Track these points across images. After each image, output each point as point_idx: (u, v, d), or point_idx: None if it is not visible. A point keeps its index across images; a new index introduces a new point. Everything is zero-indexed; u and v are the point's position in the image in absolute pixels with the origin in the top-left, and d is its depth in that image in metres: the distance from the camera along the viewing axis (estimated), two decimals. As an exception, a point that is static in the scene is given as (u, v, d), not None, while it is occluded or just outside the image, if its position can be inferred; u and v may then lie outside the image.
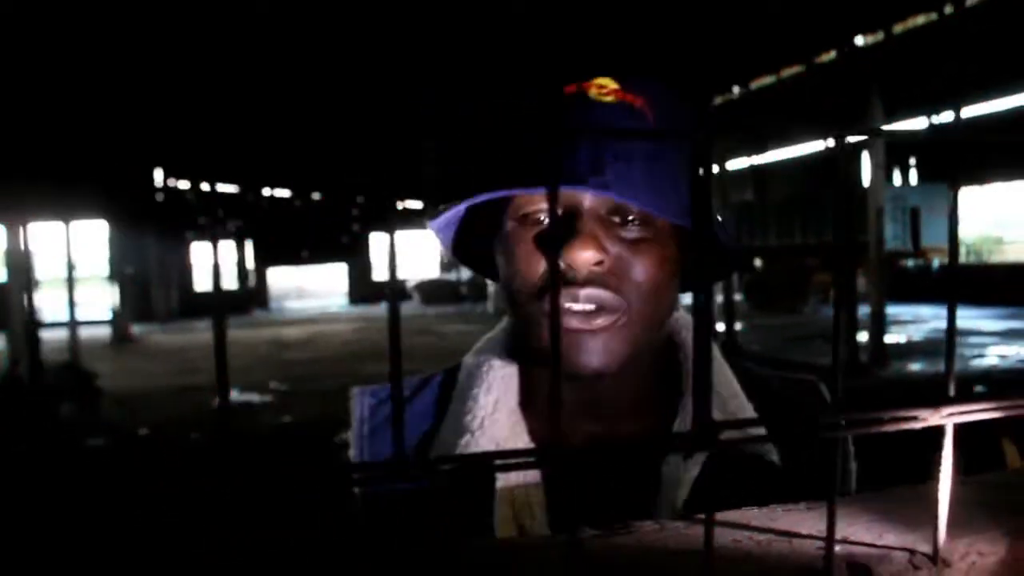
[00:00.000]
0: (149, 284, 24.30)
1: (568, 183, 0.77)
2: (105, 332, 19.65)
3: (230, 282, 30.49)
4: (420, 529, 0.85)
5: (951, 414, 0.42)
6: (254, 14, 12.46)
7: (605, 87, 0.83)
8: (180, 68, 14.18)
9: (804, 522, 0.50)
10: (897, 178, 20.18)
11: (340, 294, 34.87)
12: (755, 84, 18.69)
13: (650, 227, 0.81)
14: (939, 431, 0.44)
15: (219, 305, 0.33)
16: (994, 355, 10.94)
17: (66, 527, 4.39)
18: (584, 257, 0.77)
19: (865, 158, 12.77)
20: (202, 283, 29.32)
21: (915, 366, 10.60)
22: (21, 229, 12.20)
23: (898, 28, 14.14)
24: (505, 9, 11.33)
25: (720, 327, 13.43)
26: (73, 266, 16.06)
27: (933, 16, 13.93)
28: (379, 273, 31.48)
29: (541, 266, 0.80)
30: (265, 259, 31.75)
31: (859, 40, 13.55)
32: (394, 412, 0.35)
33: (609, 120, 0.81)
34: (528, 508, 0.85)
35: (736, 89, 18.94)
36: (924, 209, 15.55)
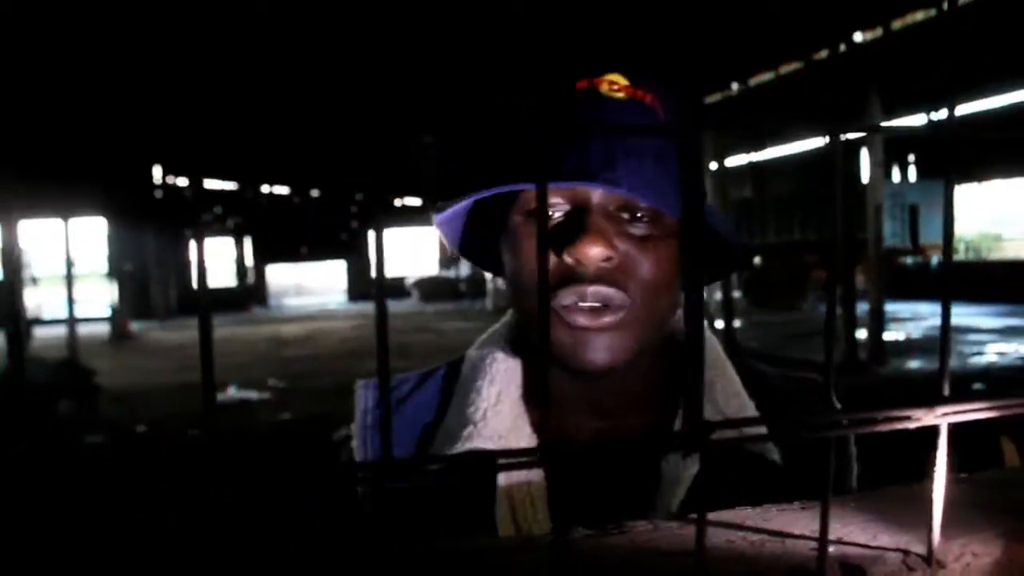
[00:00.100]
0: (148, 281, 24.31)
1: (579, 179, 0.77)
2: (104, 329, 19.65)
3: (228, 279, 30.50)
4: (421, 526, 0.85)
5: (946, 414, 0.42)
6: (254, 12, 12.46)
7: (616, 83, 0.83)
8: (179, 65, 14.17)
9: (798, 522, 0.50)
10: (896, 175, 20.19)
11: (339, 291, 34.87)
12: (754, 81, 18.68)
13: (658, 224, 0.81)
14: (935, 430, 0.43)
15: (205, 307, 0.33)
16: (993, 352, 10.94)
17: (65, 528, 4.39)
18: (594, 253, 0.76)
19: (864, 155, 12.78)
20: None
21: (914, 363, 10.60)
22: (14, 226, 12.17)
23: (897, 24, 14.15)
24: (505, 8, 11.34)
25: (719, 324, 13.44)
26: (72, 263, 16.05)
27: (932, 12, 13.94)
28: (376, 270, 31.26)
29: (548, 263, 0.80)
30: (264, 256, 31.75)
31: (858, 37, 13.54)
32: (383, 415, 0.35)
33: (620, 116, 0.81)
34: (530, 504, 0.85)
35: (735, 85, 18.94)
36: (923, 206, 15.55)
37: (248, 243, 31.00)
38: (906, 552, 0.45)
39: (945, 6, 13.59)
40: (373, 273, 0.35)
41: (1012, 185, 19.84)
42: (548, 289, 0.35)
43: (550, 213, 0.81)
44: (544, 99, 0.86)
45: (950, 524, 0.46)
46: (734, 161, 23.37)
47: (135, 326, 20.54)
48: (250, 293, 30.51)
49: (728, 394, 0.88)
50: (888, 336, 11.62)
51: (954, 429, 0.44)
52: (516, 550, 0.51)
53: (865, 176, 11.85)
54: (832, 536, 0.46)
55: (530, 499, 0.85)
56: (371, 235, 0.35)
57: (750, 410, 0.87)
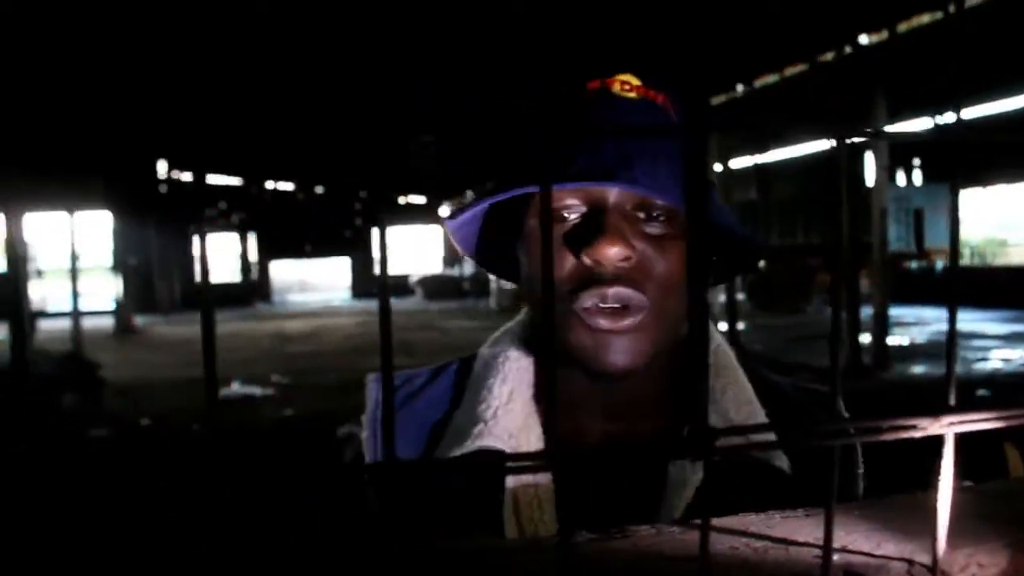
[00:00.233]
0: (152, 275, 24.33)
1: (596, 179, 0.77)
2: (108, 323, 19.68)
3: (232, 274, 30.55)
4: (427, 523, 0.85)
5: (952, 423, 0.41)
6: (257, 10, 12.46)
7: (628, 83, 0.83)
8: (185, 61, 14.18)
9: (802, 529, 0.50)
10: (901, 178, 20.15)
11: (343, 288, 34.89)
12: (759, 83, 18.63)
13: (673, 223, 0.81)
14: (940, 439, 0.43)
15: (208, 302, 0.33)
16: (997, 359, 10.92)
17: (66, 526, 4.40)
18: (612, 253, 0.76)
19: (869, 158, 12.76)
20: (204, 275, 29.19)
21: (918, 368, 10.58)
22: (18, 219, 12.20)
23: (903, 27, 14.11)
24: (508, 8, 11.33)
25: (722, 327, 13.42)
26: (77, 256, 16.08)
27: (938, 15, 13.90)
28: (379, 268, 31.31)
29: (566, 265, 0.80)
30: (268, 252, 31.78)
31: (863, 39, 13.51)
32: (385, 417, 0.35)
33: (632, 117, 0.81)
34: (536, 506, 0.85)
35: (739, 87, 18.89)
36: (928, 210, 15.51)
37: (252, 239, 31.04)
38: (911, 561, 0.45)
39: (951, 9, 13.58)
40: (377, 270, 0.35)
41: (1018, 190, 19.80)
42: (552, 288, 0.35)
43: (566, 215, 0.81)
44: (555, 100, 0.86)
45: (955, 534, 0.45)
46: (738, 163, 23.36)
47: (139, 320, 20.57)
48: (254, 289, 30.55)
49: (739, 401, 0.87)
50: (892, 341, 11.60)
51: (958, 438, 0.44)
52: (520, 551, 0.51)
53: (870, 179, 11.83)
54: (836, 544, 0.46)
55: (537, 501, 0.85)
56: (375, 232, 0.35)
57: (760, 419, 0.86)
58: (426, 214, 32.21)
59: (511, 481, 0.85)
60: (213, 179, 27.93)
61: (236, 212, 29.22)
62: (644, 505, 0.83)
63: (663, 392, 0.89)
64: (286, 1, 11.96)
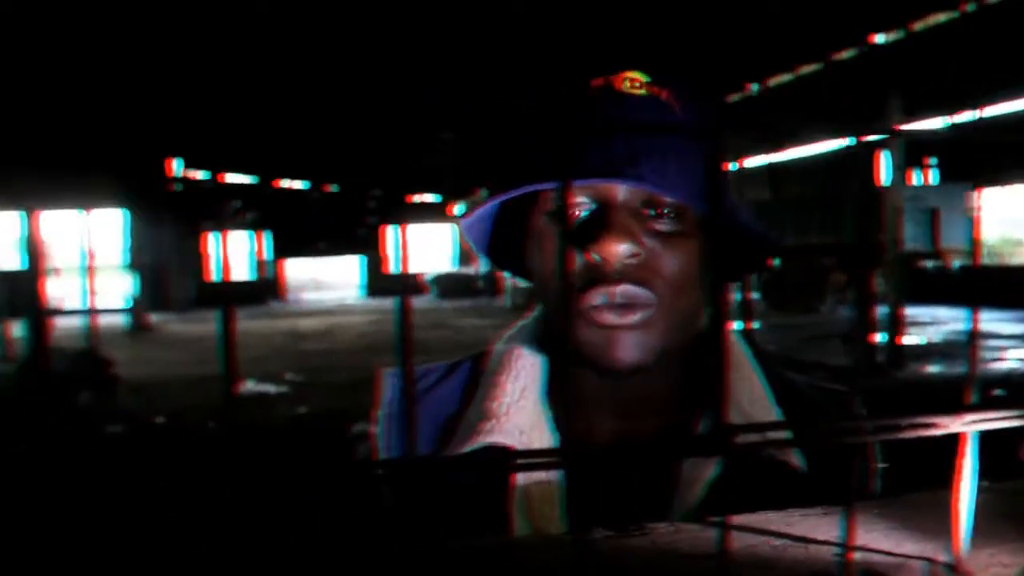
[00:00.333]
0: (166, 273, 24.41)
1: (603, 176, 0.77)
2: (123, 320, 19.76)
3: (246, 273, 30.62)
4: (435, 518, 0.85)
5: (972, 421, 0.41)
6: (272, 9, 12.50)
7: (636, 80, 0.82)
8: (199, 61, 14.23)
9: (821, 527, 0.50)
10: (917, 178, 20.03)
11: (356, 286, 34.93)
12: (773, 81, 18.57)
13: (683, 220, 0.80)
14: (959, 437, 0.43)
15: (227, 300, 0.33)
16: (1014, 358, 10.84)
17: (65, 525, 4.40)
18: (619, 250, 0.76)
19: (884, 158, 12.69)
20: (219, 273, 29.33)
21: (932, 368, 10.51)
22: (35, 217, 12.29)
23: (918, 26, 14.03)
24: (508, 7, 11.33)
25: (736, 326, 13.34)
26: (92, 254, 16.17)
27: (954, 14, 13.81)
28: (394, 265, 31.36)
29: (573, 262, 0.80)
30: (282, 250, 31.82)
31: (878, 38, 13.43)
32: (407, 415, 0.35)
33: (639, 113, 0.81)
34: (546, 503, 0.85)
35: (754, 86, 18.84)
36: (944, 209, 15.42)
37: (266, 237, 31.11)
38: (932, 561, 0.45)
39: (969, 8, 13.50)
40: (392, 269, 0.35)
41: (1034, 189, 19.63)
42: (571, 290, 0.35)
43: (572, 212, 0.81)
44: (559, 97, 0.86)
45: (976, 533, 0.45)
46: (752, 162, 23.28)
47: (153, 318, 20.64)
48: (268, 287, 30.59)
49: (753, 399, 0.87)
50: (906, 340, 11.54)
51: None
52: (536, 548, 0.51)
53: (885, 179, 11.77)
54: (856, 542, 0.46)
55: (547, 497, 0.85)
56: (392, 231, 0.35)
57: (773, 415, 0.86)
58: (440, 212, 32.22)
59: (521, 478, 0.85)
60: (227, 177, 28.02)
61: (250, 210, 29.29)
62: (654, 503, 0.83)
63: (675, 389, 0.89)
64: (300, 1, 11.98)
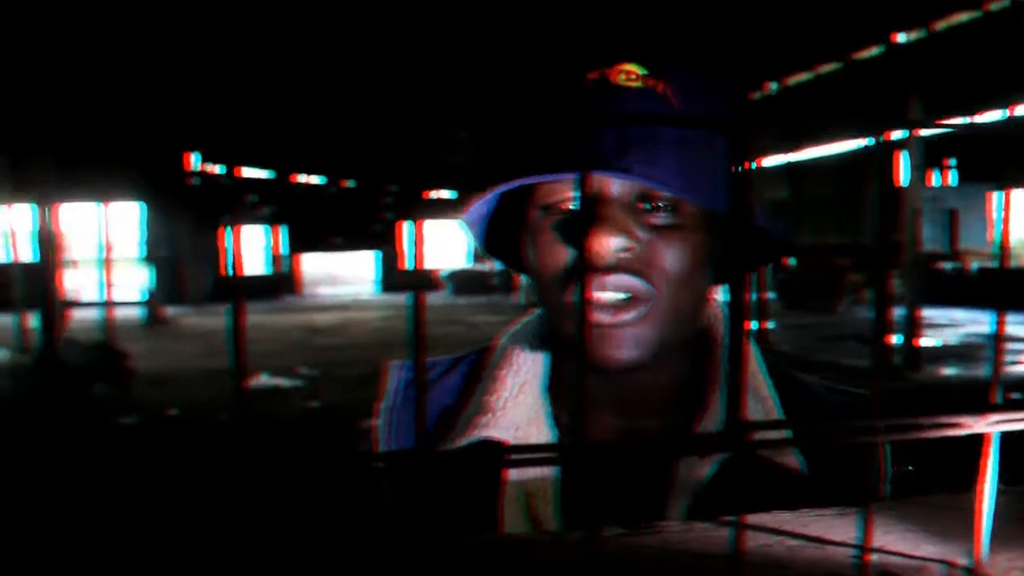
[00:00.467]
0: (182, 267, 24.54)
1: (589, 168, 0.75)
2: (139, 313, 19.89)
3: (262, 267, 30.75)
4: (428, 511, 0.85)
5: (996, 422, 0.40)
6: (289, 5, 12.54)
7: (631, 72, 0.81)
8: (218, 55, 14.29)
9: (836, 528, 0.49)
10: (936, 179, 19.90)
11: (371, 281, 35.03)
12: (792, 80, 18.49)
13: (680, 213, 0.79)
14: (980, 438, 0.42)
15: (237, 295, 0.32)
16: (1032, 361, 10.75)
17: (64, 525, 4.43)
18: (611, 244, 0.75)
19: (903, 158, 12.61)
20: (236, 267, 29.50)
21: (949, 370, 10.44)
22: (53, 210, 12.37)
23: (940, 25, 13.93)
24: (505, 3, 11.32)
25: (753, 325, 13.32)
26: (108, 247, 16.27)
27: (976, 13, 13.70)
28: (409, 261, 31.48)
29: (565, 256, 0.79)
30: (298, 245, 31.95)
31: (900, 37, 13.34)
32: (417, 411, 0.34)
33: (634, 106, 0.79)
34: (539, 500, 0.85)
35: (773, 85, 18.77)
36: (962, 210, 15.31)
37: (283, 232, 31.23)
38: (950, 564, 0.44)
39: (992, 7, 13.38)
40: (415, 265, 0.34)
41: (1055, 192, 19.46)
42: (585, 286, 0.34)
43: (566, 206, 0.80)
44: (556, 91, 0.85)
45: (996, 536, 0.44)
46: (770, 161, 23.18)
47: (169, 311, 20.76)
48: (283, 281, 30.72)
49: (758, 398, 0.86)
50: (923, 342, 11.46)
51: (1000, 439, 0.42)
52: (545, 545, 0.50)
53: (904, 179, 11.70)
54: (872, 544, 0.45)
55: (540, 493, 0.85)
56: (408, 227, 0.35)
57: (776, 415, 0.85)
58: (456, 209, 32.24)
59: (514, 473, 0.84)
60: (244, 172, 28.14)
61: (266, 205, 29.40)
62: (649, 502, 0.82)
63: (677, 387, 0.87)
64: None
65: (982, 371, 10.12)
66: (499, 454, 0.35)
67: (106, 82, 15.14)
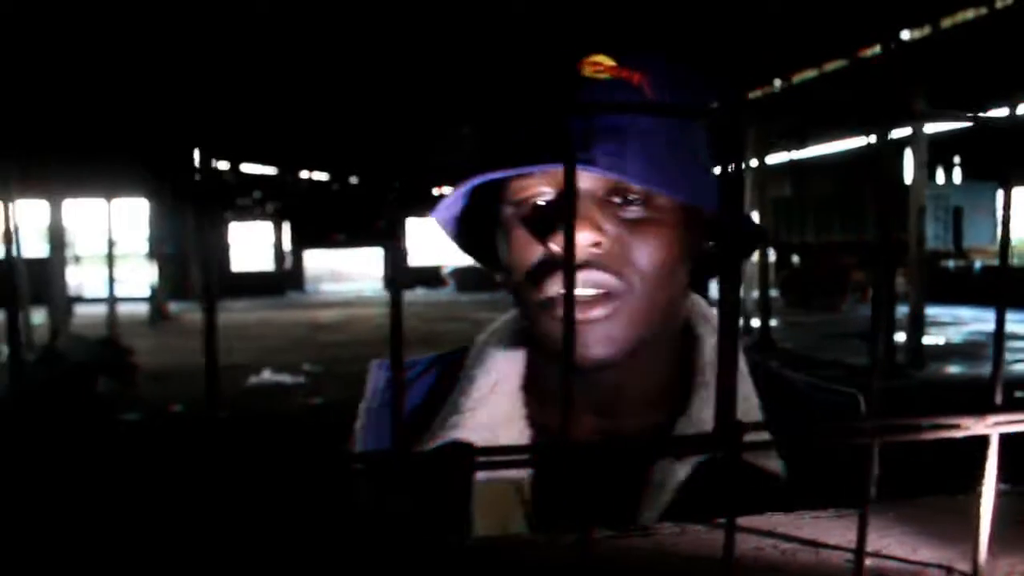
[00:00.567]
0: (187, 263, 24.59)
1: (556, 162, 0.73)
2: (143, 309, 19.93)
3: (266, 263, 30.81)
4: (400, 513, 0.84)
5: (997, 423, 0.39)
6: (294, 2, 12.54)
7: (600, 64, 0.79)
8: (223, 52, 14.30)
9: (832, 531, 0.48)
10: (940, 177, 19.85)
11: (375, 278, 35.07)
12: (796, 78, 18.43)
13: (653, 207, 0.77)
14: (982, 440, 0.41)
15: (207, 302, 0.31)
16: (1036, 360, 10.72)
17: (63, 524, 4.43)
18: (578, 239, 0.72)
19: (908, 155, 12.58)
20: (239, 263, 29.67)
21: (953, 369, 10.42)
22: (60, 205, 12.40)
23: (946, 23, 13.88)
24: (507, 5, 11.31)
25: (755, 323, 13.32)
26: (113, 243, 16.30)
27: (982, 11, 13.66)
28: (414, 258, 31.69)
29: (535, 251, 0.77)
30: (301, 241, 31.99)
31: (905, 35, 13.29)
32: (393, 410, 0.33)
33: (602, 97, 0.77)
34: (510, 502, 0.83)
35: (777, 82, 18.71)
36: (968, 208, 15.26)
37: (286, 228, 31.26)
38: (949, 568, 0.42)
39: (998, 4, 13.34)
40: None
41: (1060, 190, 19.39)
42: (573, 284, 0.33)
43: (537, 201, 0.78)
44: (524, 85, 0.84)
45: (996, 540, 0.43)
46: (774, 159, 23.13)
47: (173, 307, 20.80)
48: (287, 278, 30.78)
49: (741, 397, 0.84)
50: (927, 340, 11.43)
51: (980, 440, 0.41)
52: (534, 547, 0.49)
53: (908, 177, 11.67)
54: (869, 548, 0.43)
55: (510, 495, 0.83)
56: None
57: (756, 415, 0.82)
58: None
59: (483, 475, 0.82)
60: (248, 168, 28.18)
61: (270, 201, 29.44)
62: (622, 504, 0.80)
63: (657, 386, 0.85)
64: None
65: (986, 369, 10.02)
66: (466, 456, 0.34)
67: (113, 79, 15.15)
